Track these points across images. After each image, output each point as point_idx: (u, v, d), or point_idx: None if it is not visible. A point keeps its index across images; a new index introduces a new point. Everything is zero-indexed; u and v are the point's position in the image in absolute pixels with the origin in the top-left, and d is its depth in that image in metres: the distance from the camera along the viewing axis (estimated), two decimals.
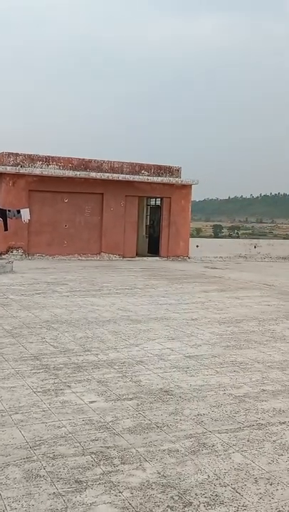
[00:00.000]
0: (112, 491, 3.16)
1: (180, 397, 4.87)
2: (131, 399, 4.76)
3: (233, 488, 3.25)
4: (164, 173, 21.37)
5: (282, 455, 3.75)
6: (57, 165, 19.67)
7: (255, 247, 22.81)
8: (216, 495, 3.16)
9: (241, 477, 3.40)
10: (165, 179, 20.95)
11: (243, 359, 6.27)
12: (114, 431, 4.05)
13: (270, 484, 3.33)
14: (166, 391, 5.01)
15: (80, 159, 20.15)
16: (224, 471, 3.47)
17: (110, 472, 3.41)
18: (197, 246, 21.92)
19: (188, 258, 21.18)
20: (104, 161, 20.45)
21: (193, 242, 22.12)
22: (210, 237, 60.26)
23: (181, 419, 4.32)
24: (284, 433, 4.12)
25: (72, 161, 19.97)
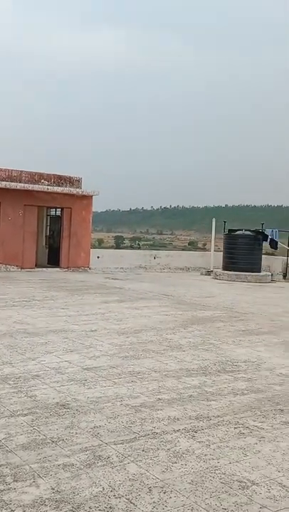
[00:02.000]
0: (4, 510, 3.05)
1: (77, 410, 4.82)
2: (25, 414, 4.64)
3: (128, 499, 3.26)
4: (64, 183, 21.22)
5: (175, 463, 3.83)
6: None
7: (154, 258, 23.26)
8: (110, 507, 3.16)
9: (136, 487, 3.43)
10: (66, 189, 20.80)
11: (140, 369, 6.34)
12: (6, 448, 3.92)
13: (164, 492, 3.38)
14: (63, 405, 4.94)
15: None
16: (119, 483, 3.48)
17: (2, 491, 3.29)
18: (98, 257, 21.92)
19: (89, 269, 21.14)
20: (1, 169, 19.91)
21: (94, 252, 22.09)
22: (112, 247, 60.56)
23: (77, 433, 4.27)
24: (178, 441, 4.22)
25: None
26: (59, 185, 20.91)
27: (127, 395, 5.33)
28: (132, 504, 3.21)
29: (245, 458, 3.96)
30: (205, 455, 3.98)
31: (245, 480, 3.62)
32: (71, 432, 4.29)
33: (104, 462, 3.77)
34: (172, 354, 7.20)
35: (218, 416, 4.84)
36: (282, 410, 5.06)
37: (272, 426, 4.64)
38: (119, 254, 24.03)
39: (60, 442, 4.07)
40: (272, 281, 20.19)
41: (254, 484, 3.57)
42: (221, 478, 3.63)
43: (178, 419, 4.71)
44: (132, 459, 3.84)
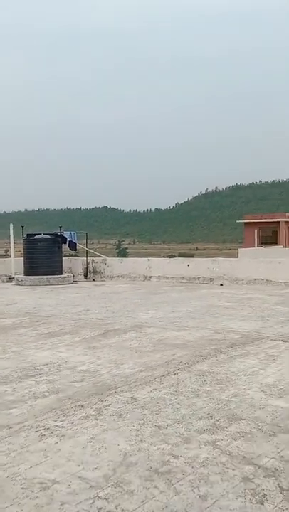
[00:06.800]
0: None
1: None
2: None
3: None
4: None
5: None
6: None
7: None
8: None
9: None
10: None
11: None
12: None
13: None
14: None
15: None
16: None
17: None
18: None
19: None
20: None
21: None
22: None
23: None
24: None
25: None
26: None
27: None
28: None
29: (45, 459, 4.00)
30: (5, 464, 3.91)
31: (46, 481, 3.65)
32: None
33: None
34: None
35: (19, 422, 4.79)
36: (82, 406, 5.21)
37: (72, 423, 4.75)
38: None
39: None
40: (75, 281, 20.59)
41: (55, 483, 3.62)
42: (21, 484, 3.60)
43: None
44: None
